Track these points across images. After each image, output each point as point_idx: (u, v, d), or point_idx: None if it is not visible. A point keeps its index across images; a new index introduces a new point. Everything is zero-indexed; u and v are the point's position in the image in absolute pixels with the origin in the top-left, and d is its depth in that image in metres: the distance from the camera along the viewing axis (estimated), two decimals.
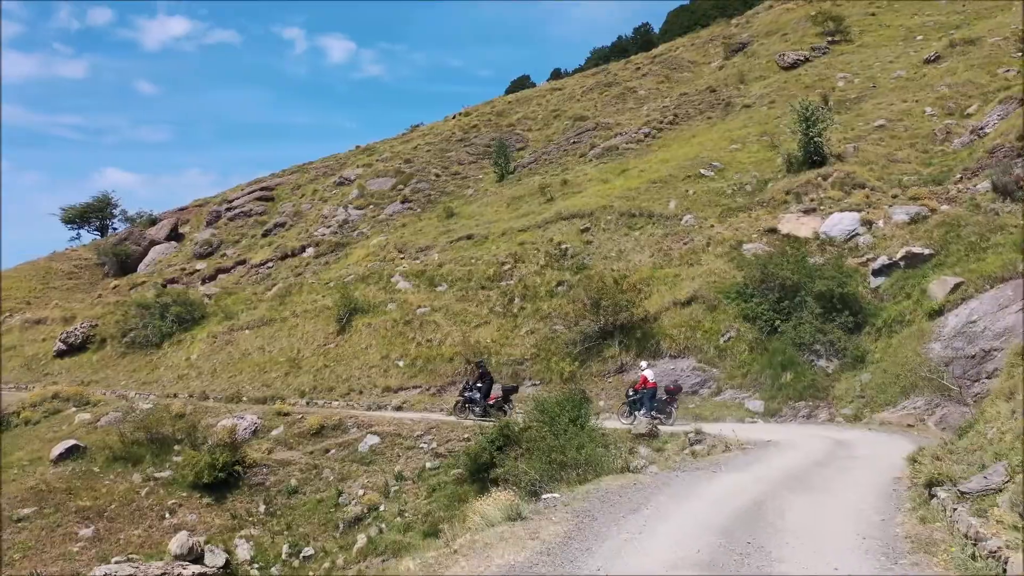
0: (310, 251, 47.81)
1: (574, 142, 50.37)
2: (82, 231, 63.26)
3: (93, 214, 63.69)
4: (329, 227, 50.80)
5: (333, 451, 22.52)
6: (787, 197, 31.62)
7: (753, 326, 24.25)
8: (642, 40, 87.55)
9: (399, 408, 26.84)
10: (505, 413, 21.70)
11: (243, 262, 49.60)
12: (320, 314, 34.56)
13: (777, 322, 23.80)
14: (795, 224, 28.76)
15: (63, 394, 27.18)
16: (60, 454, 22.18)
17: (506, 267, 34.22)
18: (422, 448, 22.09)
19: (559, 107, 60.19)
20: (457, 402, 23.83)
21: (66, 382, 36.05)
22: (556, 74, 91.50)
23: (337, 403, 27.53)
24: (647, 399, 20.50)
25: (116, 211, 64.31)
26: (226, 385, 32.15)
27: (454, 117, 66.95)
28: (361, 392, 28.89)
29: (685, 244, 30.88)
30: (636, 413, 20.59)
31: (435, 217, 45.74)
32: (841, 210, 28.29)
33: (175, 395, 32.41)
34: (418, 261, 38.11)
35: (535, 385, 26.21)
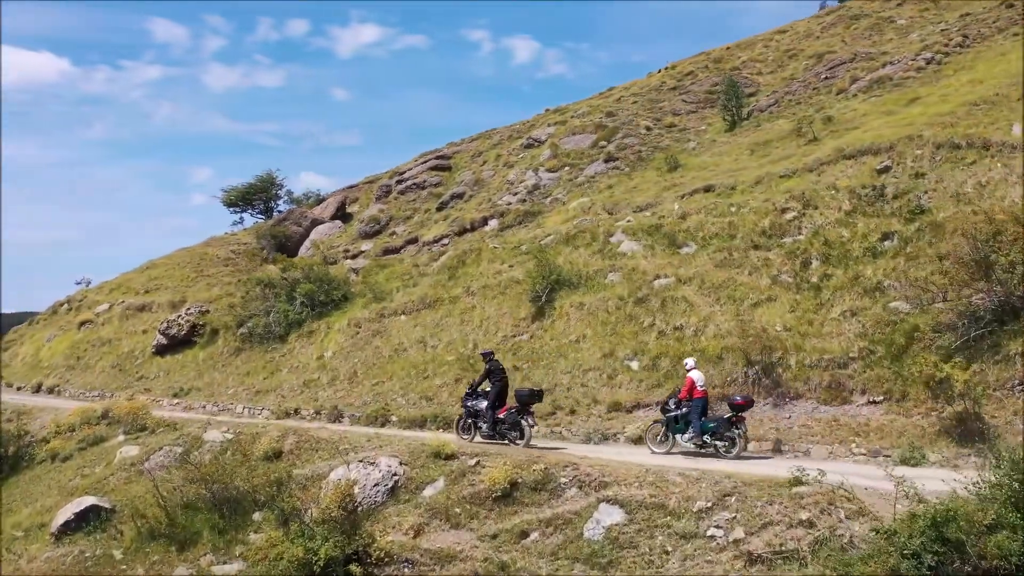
0: (493, 223, 43.30)
1: (826, 78, 45.40)
2: (245, 215, 62.26)
3: (256, 195, 62.85)
4: (516, 194, 46.65)
5: (535, 536, 13.11)
6: None
7: None
8: None
9: (638, 441, 17.97)
10: (522, 433, 17.45)
11: (414, 240, 45.93)
12: (506, 291, 25.91)
13: None
14: None
15: (117, 411, 20.07)
16: (67, 521, 14.54)
17: (789, 216, 23.99)
18: (714, 539, 12.21)
19: (793, 47, 54.75)
20: (459, 417, 19.44)
21: (161, 389, 29.64)
22: None
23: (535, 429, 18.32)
24: (695, 415, 16.64)
25: (281, 192, 62.53)
26: (369, 396, 24.18)
27: (659, 72, 61.19)
28: (573, 412, 20.16)
29: None
30: (677, 437, 16.94)
31: (652, 172, 38.05)
32: None
33: (295, 411, 24.61)
34: (647, 213, 28.36)
35: (874, 402, 16.88)
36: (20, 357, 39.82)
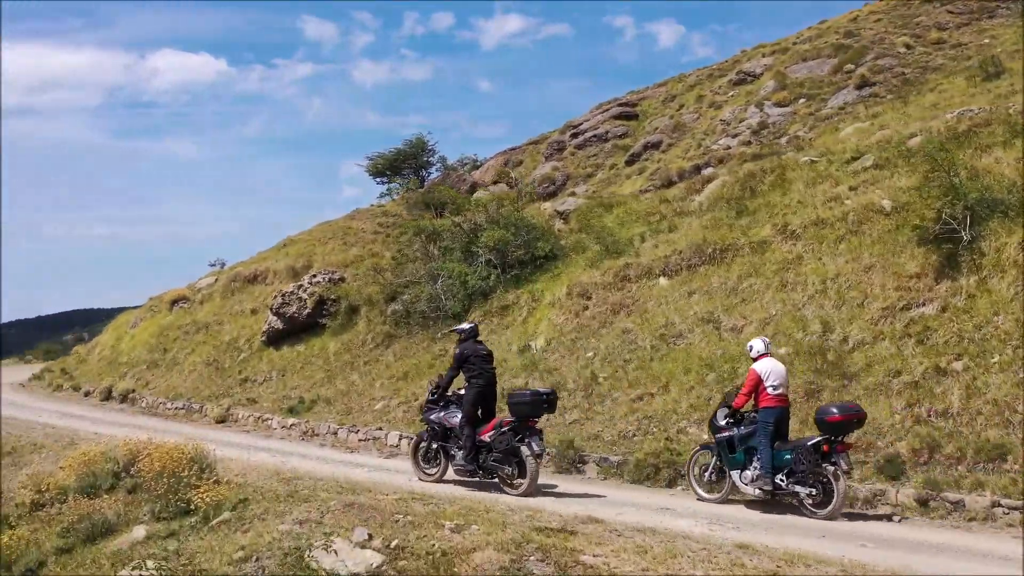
0: (708, 171, 38.94)
1: None
2: (394, 185, 59.04)
3: (405, 162, 60.05)
4: (736, 135, 42.87)
5: None
6: None
7: None
8: None
9: None
10: (521, 469, 12.40)
11: None
12: (862, 228, 16.55)
13: None
14: None
15: (144, 467, 11.20)
16: None
17: None
18: None
19: None
20: (417, 438, 14.37)
21: (271, 399, 21.36)
22: None
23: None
24: (763, 437, 11.58)
25: (433, 158, 59.08)
26: (626, 421, 14.94)
27: None
28: None
29: None
30: (733, 474, 11.92)
31: (961, 82, 28.43)
32: None
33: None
34: None
35: None
36: (98, 351, 32.88)
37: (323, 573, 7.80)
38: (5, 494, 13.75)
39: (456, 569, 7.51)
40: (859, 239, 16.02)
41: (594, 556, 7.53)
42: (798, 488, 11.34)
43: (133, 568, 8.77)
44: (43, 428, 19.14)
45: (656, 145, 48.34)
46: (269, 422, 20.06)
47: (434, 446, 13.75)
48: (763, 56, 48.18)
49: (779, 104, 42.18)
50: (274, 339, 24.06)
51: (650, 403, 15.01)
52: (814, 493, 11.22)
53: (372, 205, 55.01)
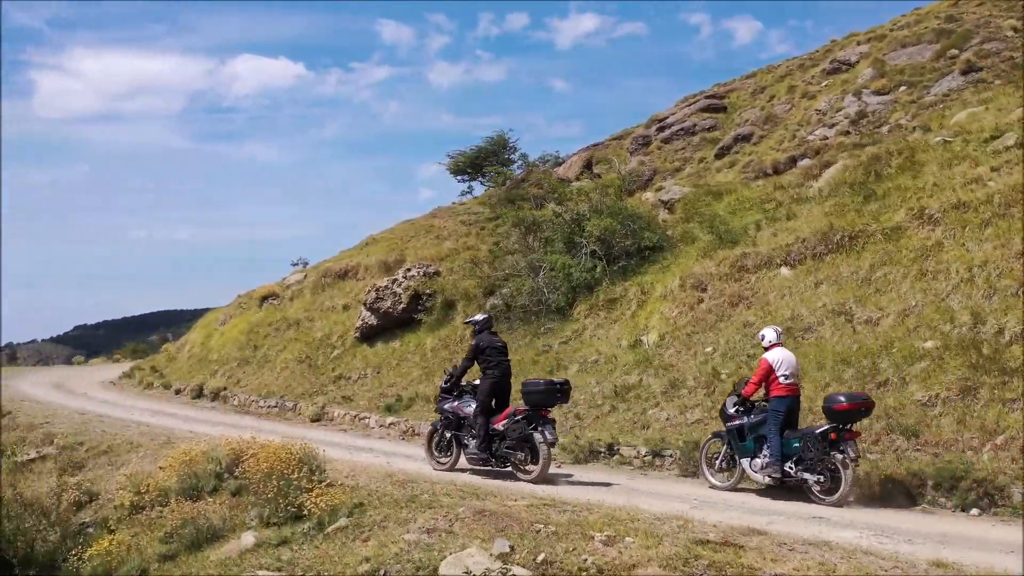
0: (804, 163, 37.89)
1: None
2: (475, 183, 58.44)
3: (486, 159, 60.25)
4: (833, 125, 41.40)
5: None
6: None
7: None
8: None
9: None
10: (534, 455, 12.77)
11: None
12: (1010, 212, 15.07)
13: None
14: None
15: (249, 468, 10.51)
16: None
17: None
18: None
19: None
20: (432, 428, 14.65)
21: (367, 397, 20.73)
22: None
23: None
24: (773, 425, 11.84)
25: (514, 156, 57.75)
26: None
27: None
28: None
29: None
30: (743, 462, 12.16)
31: None
32: None
33: (609, 448, 14.46)
34: None
35: None
36: (187, 348, 32.73)
37: None
38: (104, 495, 13.26)
39: None
40: (1007, 223, 14.66)
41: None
42: (806, 475, 11.53)
43: None
44: (137, 426, 18.71)
45: (747, 137, 47.31)
46: (367, 421, 19.38)
47: (447, 435, 13.99)
48: (858, 44, 45.98)
49: (878, 92, 40.67)
50: (368, 335, 23.43)
51: None
52: (822, 480, 11.39)
53: (454, 203, 55.20)
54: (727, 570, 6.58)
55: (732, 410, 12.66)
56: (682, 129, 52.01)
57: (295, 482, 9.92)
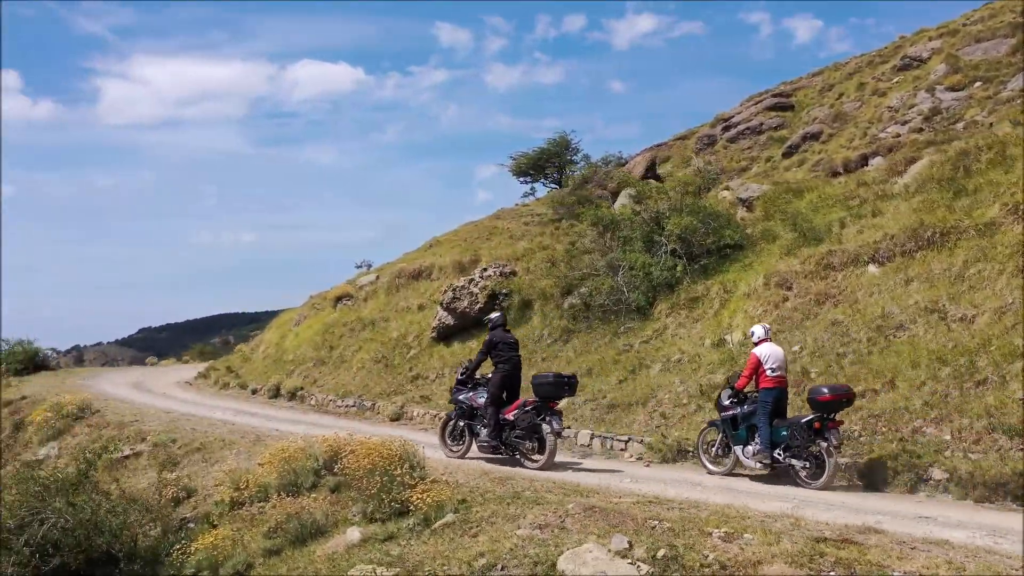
0: (877, 161, 37.18)
1: None
2: (538, 184, 59.16)
3: (548, 161, 60.60)
4: (906, 122, 40.63)
5: None
6: None
7: None
8: None
9: None
10: (541, 445, 13.68)
11: None
12: None
13: None
14: None
15: (349, 464, 10.61)
16: None
17: None
18: None
19: None
20: (446, 418, 15.81)
21: (445, 396, 20.70)
22: None
23: None
24: (763, 415, 12.96)
25: (577, 157, 58.24)
26: (851, 420, 13.70)
27: None
28: None
29: None
30: (736, 450, 13.34)
31: None
32: None
33: (683, 449, 14.42)
34: None
35: None
36: (262, 348, 33.24)
37: None
38: (200, 491, 13.58)
39: None
40: None
41: (906, 574, 6.45)
42: (794, 461, 12.65)
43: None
44: (223, 425, 19.11)
45: (816, 136, 46.44)
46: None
47: (460, 424, 15.05)
48: (929, 40, 44.86)
49: (952, 88, 39.65)
50: (444, 335, 23.60)
51: (874, 400, 13.65)
52: (808, 466, 12.51)
53: (517, 204, 55.91)
54: (855, 568, 6.53)
55: (726, 401, 13.83)
56: (748, 128, 50.79)
57: (398, 478, 10.06)
